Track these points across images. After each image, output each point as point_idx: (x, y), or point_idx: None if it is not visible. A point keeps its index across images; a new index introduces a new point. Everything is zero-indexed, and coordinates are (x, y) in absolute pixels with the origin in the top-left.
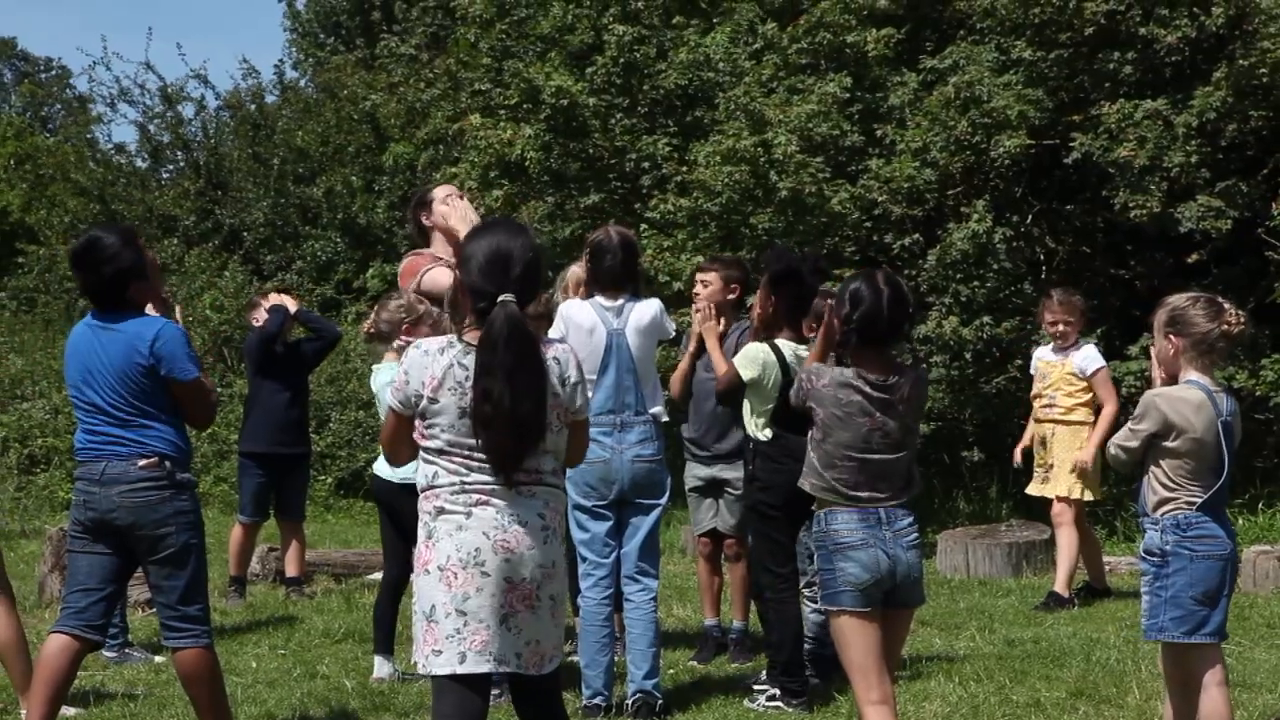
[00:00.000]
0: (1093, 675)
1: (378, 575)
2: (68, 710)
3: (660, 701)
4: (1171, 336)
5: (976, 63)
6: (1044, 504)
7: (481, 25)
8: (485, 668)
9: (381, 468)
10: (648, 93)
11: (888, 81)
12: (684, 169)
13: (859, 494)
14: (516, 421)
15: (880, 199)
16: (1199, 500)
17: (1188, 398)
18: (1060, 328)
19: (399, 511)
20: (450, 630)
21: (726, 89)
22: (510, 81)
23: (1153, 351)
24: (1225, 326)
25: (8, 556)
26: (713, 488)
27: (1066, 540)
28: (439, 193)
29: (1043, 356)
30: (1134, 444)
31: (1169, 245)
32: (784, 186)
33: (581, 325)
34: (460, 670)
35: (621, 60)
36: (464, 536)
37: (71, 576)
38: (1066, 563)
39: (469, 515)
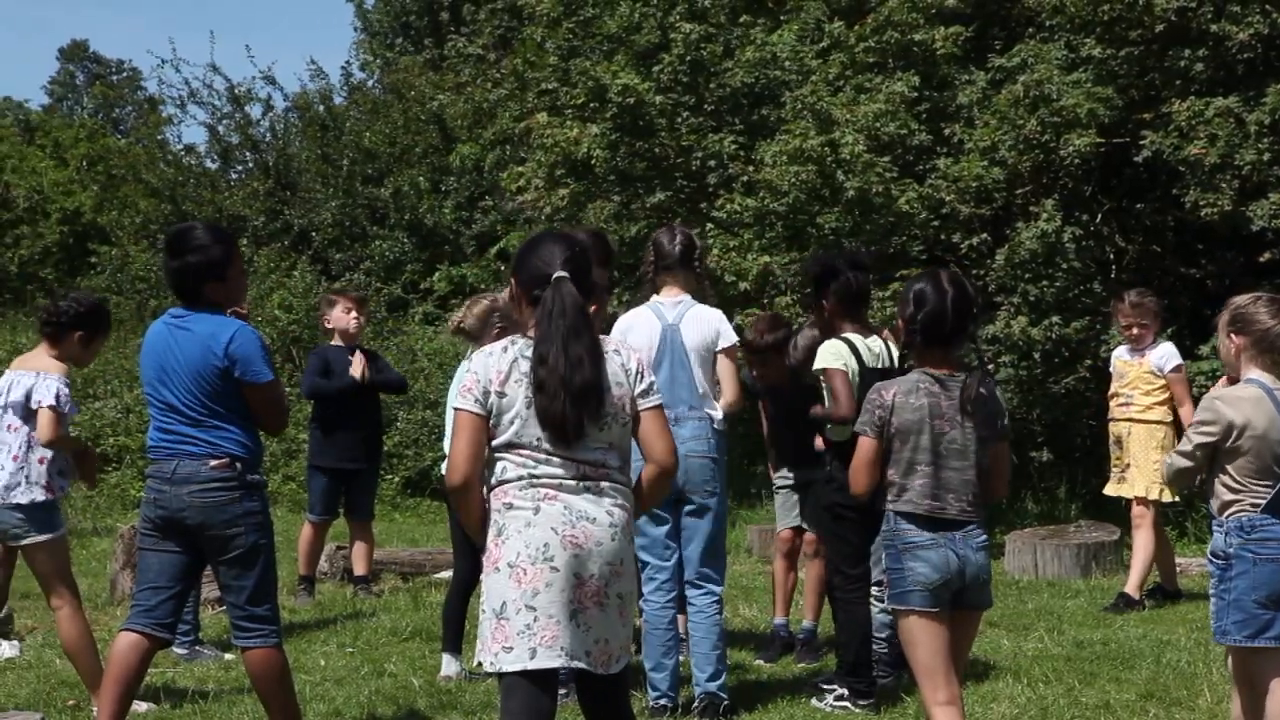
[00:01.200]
0: (1163, 677)
1: (445, 574)
2: (139, 706)
3: (726, 702)
4: (1233, 335)
5: (1045, 61)
6: (1113, 504)
7: (548, 25)
8: (556, 663)
9: None
10: (714, 91)
11: (956, 80)
12: (750, 168)
13: (932, 504)
14: (572, 386)
15: (948, 198)
16: (1264, 501)
17: (1245, 395)
18: (1134, 330)
19: None
20: (521, 626)
21: (793, 88)
22: (577, 80)
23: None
24: None
25: (80, 554)
26: (800, 486)
27: (1144, 542)
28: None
29: (1120, 356)
30: (1188, 447)
31: (1240, 244)
32: (851, 186)
33: (636, 326)
34: (531, 666)
35: (688, 58)
36: (532, 533)
37: (141, 574)
38: (1141, 565)
39: (537, 511)
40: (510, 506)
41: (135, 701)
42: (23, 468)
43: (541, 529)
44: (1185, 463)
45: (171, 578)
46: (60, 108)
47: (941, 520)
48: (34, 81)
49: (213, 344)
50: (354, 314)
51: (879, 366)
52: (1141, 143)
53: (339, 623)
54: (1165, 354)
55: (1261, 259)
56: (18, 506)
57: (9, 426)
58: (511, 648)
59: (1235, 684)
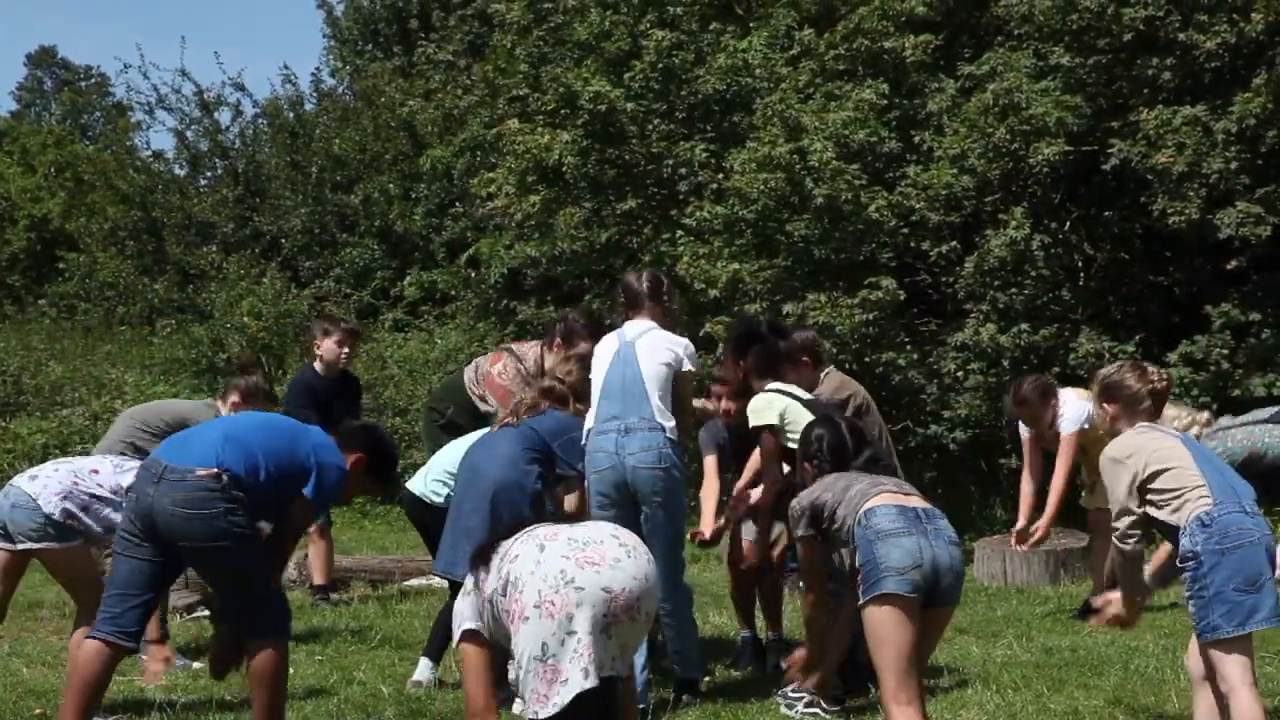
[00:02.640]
0: (1131, 684)
1: (414, 581)
2: None
3: (701, 680)
4: (1105, 405)
5: (1014, 69)
6: (1081, 511)
7: (519, 32)
8: (605, 673)
9: (414, 483)
10: (685, 98)
11: (925, 88)
12: (720, 176)
13: (886, 486)
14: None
15: (917, 206)
16: (1208, 496)
17: (1127, 434)
18: (1027, 424)
19: (428, 528)
20: (569, 654)
21: (764, 95)
22: (548, 87)
23: None
24: (1151, 385)
25: None
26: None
27: (1105, 547)
28: None
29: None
30: (1129, 506)
31: (1208, 252)
32: (820, 194)
33: (598, 351)
34: (588, 684)
35: (659, 65)
36: (545, 568)
37: (111, 579)
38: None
39: (542, 549)
40: (516, 558)
41: (105, 715)
42: (71, 490)
43: (552, 560)
44: (1130, 542)
45: (141, 586)
46: (28, 114)
47: (909, 507)
48: (1, 87)
49: (317, 458)
50: (345, 348)
51: (811, 399)
52: (1110, 151)
53: (308, 631)
54: (1064, 417)
55: (1228, 266)
56: (43, 513)
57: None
58: (567, 679)
59: (1217, 680)
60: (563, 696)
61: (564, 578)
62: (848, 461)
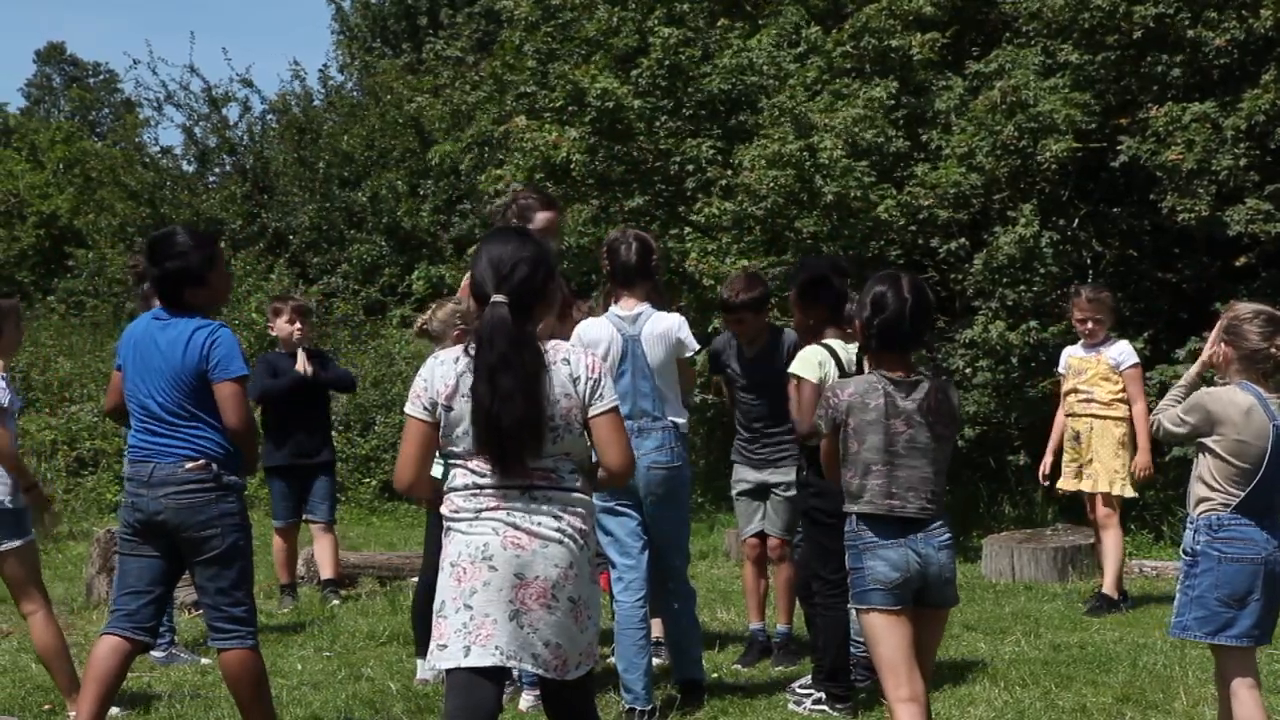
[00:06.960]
0: (1139, 681)
1: None
2: (113, 711)
3: (705, 680)
4: (1224, 345)
5: (1022, 66)
6: (1084, 504)
7: (526, 28)
8: (488, 661)
9: (435, 468)
10: (692, 95)
11: (933, 86)
12: (728, 172)
13: (891, 503)
14: (501, 423)
15: (926, 203)
16: (1234, 502)
17: (1238, 401)
18: (1089, 325)
19: None
20: (458, 625)
21: (771, 93)
22: (555, 84)
23: (1207, 346)
24: (1276, 349)
25: (57, 559)
26: (760, 491)
27: (1113, 541)
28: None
29: (1074, 354)
30: (1181, 431)
31: (1217, 249)
32: (829, 191)
33: (597, 339)
34: (465, 663)
35: (666, 62)
36: (473, 535)
37: (120, 579)
38: (1114, 564)
39: (478, 515)
40: (456, 511)
41: (111, 707)
42: None
43: (482, 531)
44: (1175, 428)
45: (150, 581)
46: (37, 110)
47: (901, 519)
48: (10, 84)
49: (194, 343)
50: (296, 324)
51: (853, 373)
52: (1119, 148)
53: (316, 626)
54: (1122, 351)
55: (1237, 263)
56: None
57: None
58: (446, 645)
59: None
60: (438, 660)
61: (484, 552)
62: (900, 343)
